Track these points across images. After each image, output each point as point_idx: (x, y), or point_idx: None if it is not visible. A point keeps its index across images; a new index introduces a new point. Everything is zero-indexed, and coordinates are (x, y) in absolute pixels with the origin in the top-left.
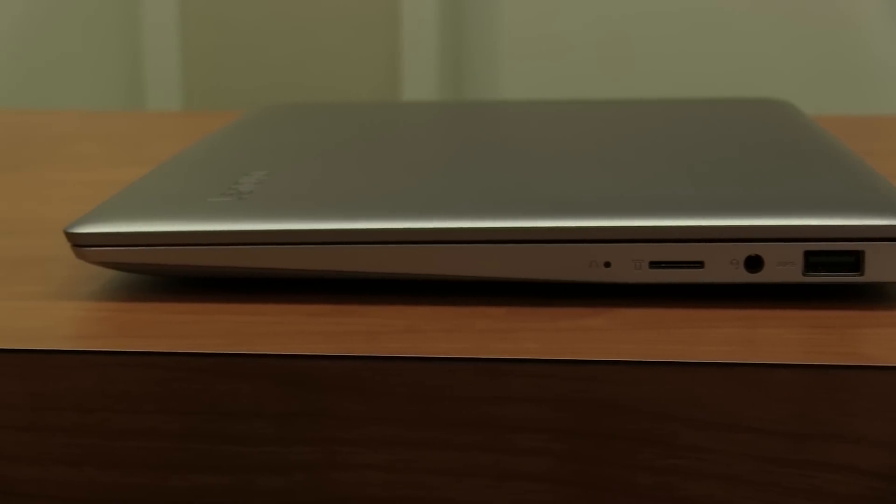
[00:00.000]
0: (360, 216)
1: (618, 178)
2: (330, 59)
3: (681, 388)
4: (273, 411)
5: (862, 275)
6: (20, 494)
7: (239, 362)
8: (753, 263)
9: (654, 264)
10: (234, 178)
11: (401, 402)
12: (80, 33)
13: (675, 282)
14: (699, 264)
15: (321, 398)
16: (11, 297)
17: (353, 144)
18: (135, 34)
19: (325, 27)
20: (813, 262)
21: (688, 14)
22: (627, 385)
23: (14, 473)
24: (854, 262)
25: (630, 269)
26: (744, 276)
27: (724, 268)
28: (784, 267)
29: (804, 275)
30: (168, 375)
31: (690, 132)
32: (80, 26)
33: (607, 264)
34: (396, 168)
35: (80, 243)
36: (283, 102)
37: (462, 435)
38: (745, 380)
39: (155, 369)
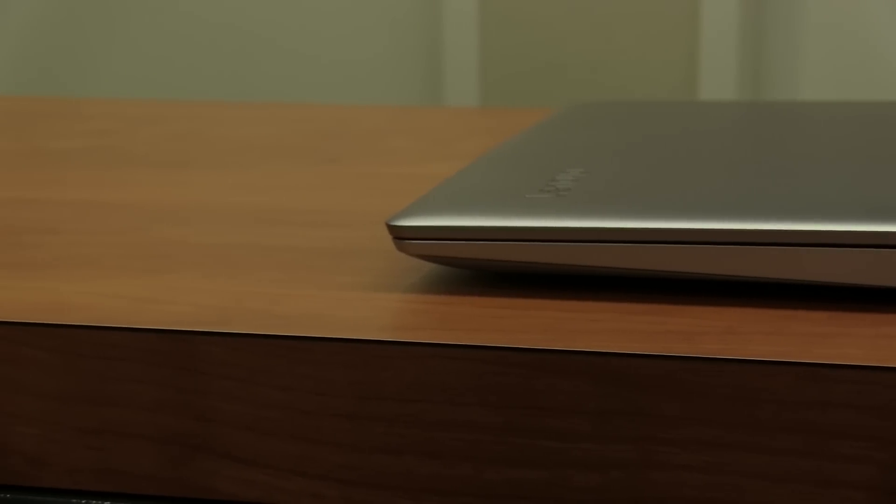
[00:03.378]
0: (681, 216)
1: None
2: (627, 57)
3: None
4: (590, 408)
5: None
6: (340, 480)
7: (557, 358)
8: None
9: None
10: (551, 174)
11: (719, 404)
12: (386, 31)
13: None
14: None
15: (638, 397)
16: (333, 287)
17: (663, 143)
18: (435, 32)
19: (623, 26)
20: None
21: None
22: None
23: (335, 460)
24: None
25: None
26: None
27: None
28: None
29: None
30: (486, 369)
31: None
32: (385, 24)
33: None
34: (707, 168)
35: (401, 236)
36: (591, 101)
37: (781, 439)
38: None
39: (474, 362)
